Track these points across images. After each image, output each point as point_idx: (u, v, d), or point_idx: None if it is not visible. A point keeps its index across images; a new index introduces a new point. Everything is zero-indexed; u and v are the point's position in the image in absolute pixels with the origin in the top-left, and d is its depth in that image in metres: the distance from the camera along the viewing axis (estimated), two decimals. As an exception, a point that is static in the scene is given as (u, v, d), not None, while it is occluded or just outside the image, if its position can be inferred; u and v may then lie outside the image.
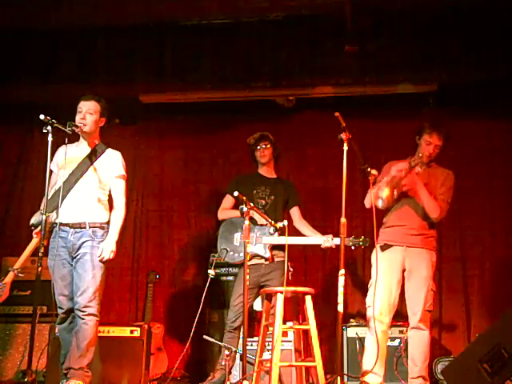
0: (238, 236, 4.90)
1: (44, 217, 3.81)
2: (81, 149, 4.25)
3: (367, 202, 4.44)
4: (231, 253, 4.88)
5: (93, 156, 4.21)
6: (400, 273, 4.33)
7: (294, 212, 5.06)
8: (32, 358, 3.75)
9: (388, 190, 4.08)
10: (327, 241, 4.77)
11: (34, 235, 4.09)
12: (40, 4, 5.15)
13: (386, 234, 4.36)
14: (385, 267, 4.17)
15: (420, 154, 4.36)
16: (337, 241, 4.70)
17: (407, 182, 4.27)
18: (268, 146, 5.08)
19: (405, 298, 4.36)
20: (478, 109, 5.84)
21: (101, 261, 4.08)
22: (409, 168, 4.26)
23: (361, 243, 4.68)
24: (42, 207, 4.00)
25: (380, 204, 4.07)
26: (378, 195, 4.09)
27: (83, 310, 3.99)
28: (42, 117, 3.76)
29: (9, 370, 5.25)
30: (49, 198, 4.05)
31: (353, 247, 4.69)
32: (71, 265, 4.10)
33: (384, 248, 4.32)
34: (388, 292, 4.26)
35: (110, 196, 4.29)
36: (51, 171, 4.17)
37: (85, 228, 4.10)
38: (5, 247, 6.04)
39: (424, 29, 5.31)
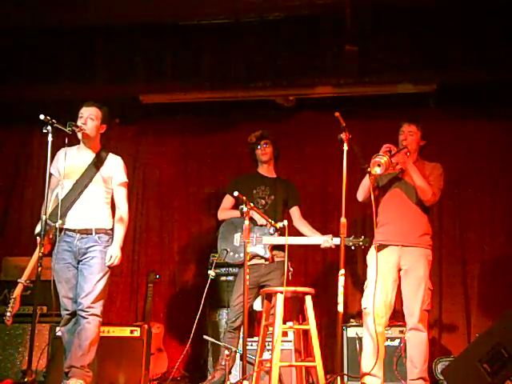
0: (237, 236, 4.90)
1: (44, 217, 3.81)
2: (83, 156, 4.26)
3: (360, 195, 4.44)
4: (231, 253, 4.89)
5: (97, 164, 4.24)
6: (396, 273, 4.32)
7: (294, 212, 5.07)
8: (32, 358, 3.75)
9: (387, 156, 4.06)
10: (327, 241, 4.77)
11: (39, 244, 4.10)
12: (40, 4, 5.15)
13: (380, 235, 4.35)
14: (381, 267, 4.16)
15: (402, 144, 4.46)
16: (336, 241, 4.71)
17: (399, 160, 4.28)
18: (269, 144, 5.08)
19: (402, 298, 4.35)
20: (477, 109, 5.84)
21: (109, 266, 4.13)
22: (397, 149, 4.29)
23: (361, 243, 4.68)
24: (43, 211, 4.00)
25: (379, 170, 4.01)
26: (377, 161, 4.02)
27: (87, 310, 4.01)
28: (42, 117, 3.76)
29: (9, 370, 5.25)
30: (53, 207, 4.08)
31: (353, 247, 4.70)
32: (76, 268, 4.13)
33: (380, 248, 4.31)
34: (384, 292, 4.25)
35: (112, 201, 4.32)
36: (51, 174, 4.17)
37: (91, 234, 4.14)
38: (5, 247, 6.04)
39: (424, 29, 5.31)
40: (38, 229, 4.09)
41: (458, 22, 5.26)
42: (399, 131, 4.49)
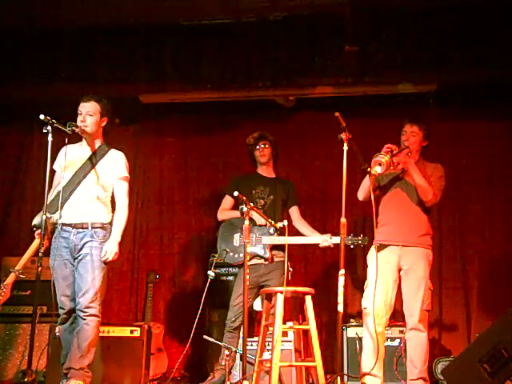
0: (237, 237, 4.91)
1: (44, 217, 3.81)
2: (83, 150, 4.25)
3: (361, 194, 4.44)
4: (231, 253, 4.89)
5: (96, 157, 4.22)
6: (396, 273, 4.32)
7: (293, 211, 5.07)
8: (32, 358, 3.74)
9: (388, 156, 4.07)
10: (325, 240, 4.77)
11: (36, 236, 4.05)
12: (40, 4, 5.15)
13: (380, 235, 4.35)
14: (381, 267, 4.16)
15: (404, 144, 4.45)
16: (335, 240, 4.71)
17: (400, 160, 4.28)
18: (267, 145, 5.08)
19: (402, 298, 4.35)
20: (477, 109, 5.84)
21: (104, 262, 4.09)
22: (398, 149, 4.29)
23: (360, 242, 4.67)
24: (44, 208, 3.99)
25: (379, 170, 4.01)
26: (378, 160, 4.01)
27: (85, 310, 4.00)
28: (42, 117, 3.76)
29: (9, 370, 5.26)
30: (52, 199, 4.08)
31: (352, 246, 4.69)
32: (73, 265, 4.10)
33: (380, 248, 4.31)
34: (384, 292, 4.24)
35: (112, 197, 4.28)
36: (54, 171, 4.21)
37: (87, 228, 4.10)
38: (5, 247, 6.04)
39: (424, 29, 5.30)
40: (35, 220, 4.08)
41: (458, 22, 5.26)
42: (401, 131, 4.48)
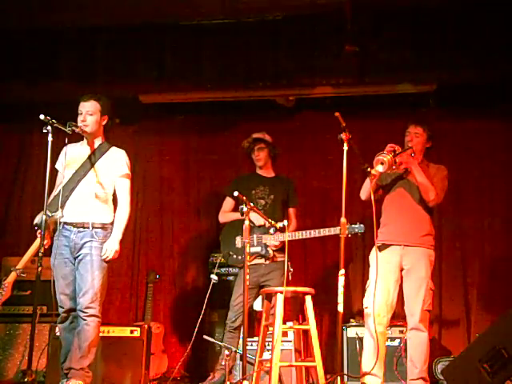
0: (239, 238, 4.92)
1: (44, 217, 3.81)
2: (84, 148, 4.24)
3: (363, 194, 4.44)
4: (234, 256, 4.91)
5: (96, 155, 4.20)
6: (398, 272, 4.32)
7: (289, 214, 5.07)
8: (32, 358, 3.74)
9: (390, 155, 4.07)
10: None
11: (38, 235, 4.04)
12: (40, 4, 5.15)
13: (383, 235, 4.35)
14: (382, 267, 4.16)
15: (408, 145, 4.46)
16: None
17: (403, 160, 4.28)
18: (263, 148, 5.08)
19: (403, 298, 4.35)
20: (477, 109, 5.83)
21: (104, 260, 4.07)
22: (402, 149, 4.29)
23: (357, 230, 4.58)
24: (45, 206, 3.99)
25: (381, 169, 4.01)
26: (380, 159, 4.03)
27: (85, 311, 3.99)
28: (42, 117, 3.75)
29: (9, 370, 5.26)
30: (53, 197, 4.07)
31: (349, 235, 4.64)
32: (73, 264, 4.09)
33: (382, 248, 4.31)
34: (386, 292, 4.25)
35: (115, 196, 4.27)
36: (57, 171, 4.21)
37: (88, 228, 4.09)
38: (5, 247, 6.04)
39: (424, 28, 5.31)
40: (37, 220, 4.08)
41: (458, 22, 5.26)
42: (405, 132, 4.48)
